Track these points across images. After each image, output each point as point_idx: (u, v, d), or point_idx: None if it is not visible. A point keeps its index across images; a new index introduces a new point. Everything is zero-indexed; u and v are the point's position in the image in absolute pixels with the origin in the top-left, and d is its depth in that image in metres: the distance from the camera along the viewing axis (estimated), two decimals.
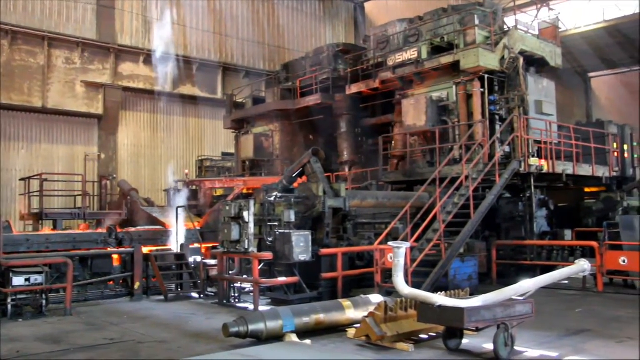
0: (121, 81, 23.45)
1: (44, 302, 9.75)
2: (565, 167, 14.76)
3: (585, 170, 15.67)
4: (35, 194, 18.06)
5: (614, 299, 10.69)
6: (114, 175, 22.74)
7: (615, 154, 18.14)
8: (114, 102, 23.14)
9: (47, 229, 16.43)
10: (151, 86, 24.20)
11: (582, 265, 7.93)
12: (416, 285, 9.01)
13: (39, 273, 9.69)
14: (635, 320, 8.60)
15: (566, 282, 11.65)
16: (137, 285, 11.45)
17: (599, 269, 11.37)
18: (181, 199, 15.28)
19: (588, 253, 12.96)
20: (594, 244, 11.81)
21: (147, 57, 23.92)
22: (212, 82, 26.34)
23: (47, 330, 8.42)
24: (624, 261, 11.15)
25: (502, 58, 14.24)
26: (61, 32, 21.94)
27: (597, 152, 16.16)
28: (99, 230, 14.24)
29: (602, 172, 16.38)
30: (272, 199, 10.94)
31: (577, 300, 10.63)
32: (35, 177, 18.41)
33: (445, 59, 14.47)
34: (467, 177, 11.90)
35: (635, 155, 20.59)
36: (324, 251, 10.64)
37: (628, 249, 11.41)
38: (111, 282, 11.90)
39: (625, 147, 19.80)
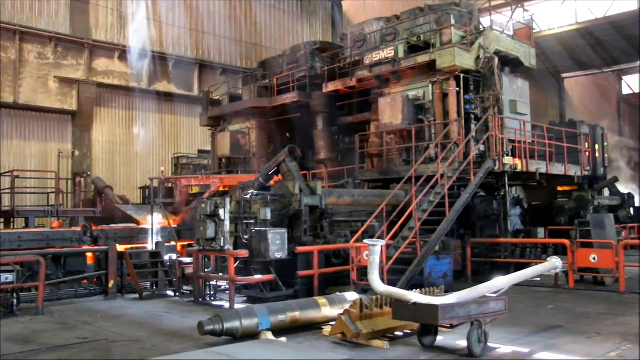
0: (96, 77, 23.11)
1: (14, 301, 9.55)
2: (538, 166, 15.01)
3: (558, 169, 15.95)
4: (6, 191, 17.72)
5: (585, 295, 10.90)
6: (88, 173, 22.40)
7: (587, 153, 18.52)
8: (88, 98, 22.78)
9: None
10: (126, 82, 23.91)
11: (554, 263, 8.07)
12: (392, 282, 9.09)
13: (10, 272, 9.50)
14: (604, 316, 8.79)
15: (539, 279, 11.84)
16: (111, 283, 11.31)
17: (570, 266, 11.58)
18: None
19: (560, 251, 13.21)
20: (566, 241, 12.03)
21: (122, 53, 23.62)
22: (188, 79, 26.12)
23: (18, 330, 8.27)
24: (594, 259, 11.37)
25: (478, 58, 14.41)
26: (33, 26, 21.53)
27: (570, 152, 16.47)
28: (73, 228, 14.04)
29: (574, 171, 16.69)
30: (248, 196, 10.90)
31: (549, 297, 10.82)
32: (7, 174, 18.06)
33: (422, 58, 14.59)
34: (442, 176, 12.01)
35: (606, 155, 21.06)
36: (300, 249, 10.64)
37: (598, 246, 11.65)
38: (85, 281, 11.75)
39: (597, 146, 20.26)
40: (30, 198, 20.11)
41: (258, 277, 10.21)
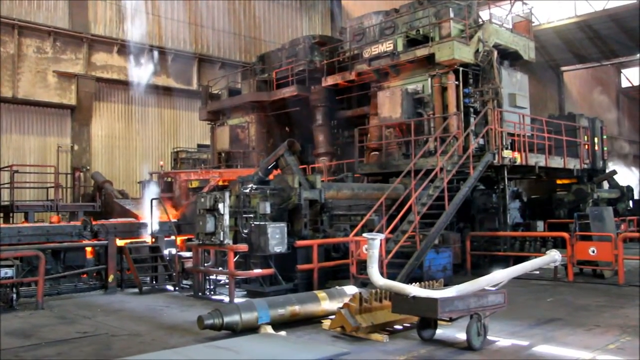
0: (94, 71, 23.06)
1: (14, 295, 9.56)
2: (537, 159, 15.00)
3: (557, 162, 15.95)
4: (5, 186, 17.72)
5: (584, 288, 10.93)
6: (88, 167, 22.39)
7: (586, 146, 18.50)
8: (87, 92, 22.74)
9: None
10: (125, 77, 23.85)
11: (553, 256, 8.08)
12: (391, 276, 9.09)
13: (10, 266, 9.51)
14: (603, 308, 8.82)
15: (538, 272, 11.87)
16: (111, 278, 11.33)
17: (569, 259, 11.60)
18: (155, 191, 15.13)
19: (559, 244, 13.22)
20: (565, 234, 12.04)
21: (121, 47, 23.56)
22: (187, 73, 26.06)
23: (18, 325, 8.28)
24: (593, 251, 11.40)
25: (477, 51, 14.38)
26: (32, 21, 21.46)
27: (569, 145, 16.46)
28: (73, 223, 14.04)
29: (573, 164, 16.69)
30: (248, 190, 10.90)
31: (548, 289, 10.84)
32: (6, 169, 18.05)
33: (421, 52, 14.56)
34: (441, 169, 12.01)
35: (605, 148, 21.07)
36: (300, 243, 10.65)
37: (597, 239, 11.67)
38: (84, 275, 11.75)
39: (596, 139, 20.25)
40: (30, 193, 20.10)
41: (257, 271, 10.21)
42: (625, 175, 28.21)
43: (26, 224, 14.40)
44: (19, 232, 11.91)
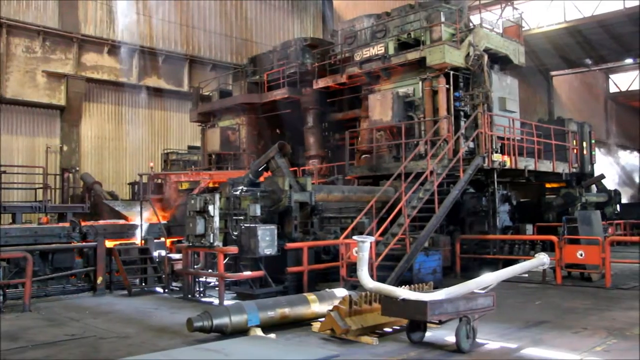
0: (84, 72, 22.93)
1: (1, 297, 9.49)
2: (527, 163, 15.09)
3: (546, 166, 16.06)
4: None
5: (572, 291, 11.00)
6: (77, 168, 22.24)
7: (575, 150, 18.65)
8: (77, 93, 22.60)
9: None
10: (115, 77, 23.74)
11: (542, 259, 8.13)
12: (381, 279, 9.13)
13: None
14: (590, 311, 8.88)
15: (527, 275, 11.92)
16: (99, 279, 11.27)
17: (557, 262, 11.68)
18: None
19: (548, 247, 13.31)
20: (554, 238, 12.13)
21: (112, 47, 23.46)
22: (178, 75, 25.98)
23: (4, 327, 8.19)
24: (581, 255, 11.48)
25: (467, 55, 14.45)
26: (21, 20, 21.31)
27: (558, 149, 16.58)
28: (61, 224, 13.94)
29: (562, 168, 16.81)
30: (238, 192, 10.88)
31: (536, 292, 10.91)
32: None
33: (412, 55, 14.61)
34: (432, 172, 12.06)
35: (593, 152, 21.27)
36: (290, 245, 10.64)
37: (585, 243, 11.76)
38: (73, 277, 11.67)
39: (584, 144, 20.43)
40: (18, 194, 19.90)
41: (247, 273, 10.20)
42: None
43: (14, 225, 14.28)
44: (6, 234, 11.81)
